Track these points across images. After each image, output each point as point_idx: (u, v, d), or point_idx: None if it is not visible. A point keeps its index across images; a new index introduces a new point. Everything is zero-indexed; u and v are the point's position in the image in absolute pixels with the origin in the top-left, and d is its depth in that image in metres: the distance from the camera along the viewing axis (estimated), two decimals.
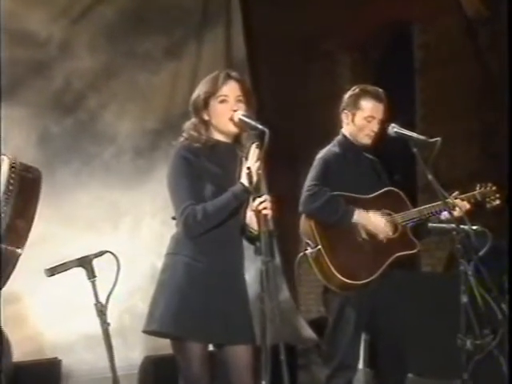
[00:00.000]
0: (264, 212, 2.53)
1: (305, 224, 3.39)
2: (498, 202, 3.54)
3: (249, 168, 2.59)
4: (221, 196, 2.65)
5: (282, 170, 6.53)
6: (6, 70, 4.84)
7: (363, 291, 3.31)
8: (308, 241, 3.34)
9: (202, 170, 2.70)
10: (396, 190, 3.50)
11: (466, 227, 3.06)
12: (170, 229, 2.80)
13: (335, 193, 3.36)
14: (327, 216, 3.32)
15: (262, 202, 2.54)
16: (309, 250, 3.31)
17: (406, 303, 3.59)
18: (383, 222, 3.34)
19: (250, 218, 2.67)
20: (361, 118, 3.50)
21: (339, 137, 3.58)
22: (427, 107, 6.48)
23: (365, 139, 3.50)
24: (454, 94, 6.23)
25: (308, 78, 6.88)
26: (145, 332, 2.71)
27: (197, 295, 2.66)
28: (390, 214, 3.42)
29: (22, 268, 2.61)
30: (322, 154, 3.50)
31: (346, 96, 3.57)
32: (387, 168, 3.62)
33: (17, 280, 2.63)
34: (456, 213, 3.26)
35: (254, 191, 2.59)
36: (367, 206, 3.40)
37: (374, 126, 3.48)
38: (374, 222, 3.34)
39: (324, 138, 3.73)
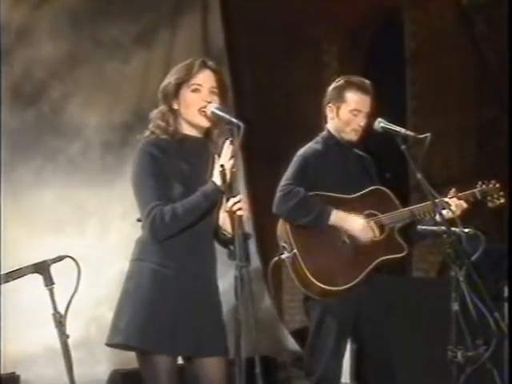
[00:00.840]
0: (238, 213, 2.52)
1: (281, 226, 3.39)
2: (502, 200, 3.48)
3: (222, 166, 2.58)
4: (190, 196, 2.63)
5: (262, 167, 6.55)
6: None
7: (346, 298, 3.32)
8: (284, 244, 3.34)
9: (170, 168, 2.67)
10: (383, 188, 3.50)
11: (457, 230, 3.06)
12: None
13: (313, 193, 3.36)
14: (300, 217, 3.32)
15: (236, 203, 2.53)
16: (284, 255, 3.31)
17: (395, 311, 3.59)
18: (363, 225, 3.34)
19: (224, 219, 2.65)
20: (346, 112, 3.50)
21: (323, 133, 3.57)
22: (419, 100, 6.51)
23: (351, 134, 3.50)
24: (447, 85, 6.26)
25: (291, 68, 6.89)
26: (108, 345, 2.69)
27: (165, 304, 2.63)
28: (375, 215, 3.43)
29: None
30: (301, 151, 3.50)
31: (330, 88, 3.56)
32: (378, 165, 3.63)
33: None
34: (451, 213, 3.26)
35: (227, 191, 2.58)
36: (351, 206, 3.40)
37: (361, 120, 3.48)
38: (352, 224, 3.34)
39: (308, 132, 3.72)
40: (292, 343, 6.33)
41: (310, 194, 3.36)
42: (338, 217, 3.33)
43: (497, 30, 5.63)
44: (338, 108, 3.49)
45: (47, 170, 5.40)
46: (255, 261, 6.14)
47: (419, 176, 3.12)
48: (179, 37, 5.97)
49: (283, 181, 3.37)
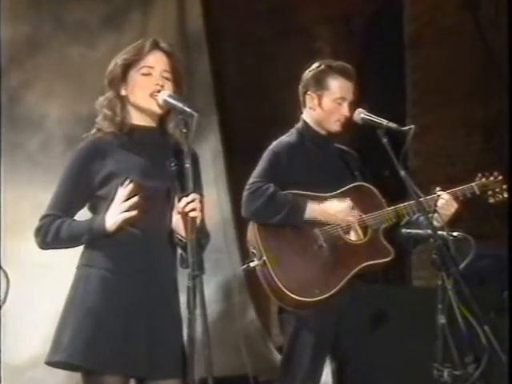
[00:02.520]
0: (191, 214, 2.46)
1: (250, 230, 3.33)
2: (505, 195, 3.35)
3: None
4: (78, 223, 2.63)
5: (245, 164, 6.47)
6: None
7: (324, 310, 3.24)
8: (253, 250, 3.26)
9: (115, 165, 2.63)
10: (366, 185, 3.43)
11: (444, 233, 2.99)
12: None
13: (285, 192, 3.29)
14: (271, 216, 3.25)
15: (189, 203, 2.46)
16: (253, 263, 3.24)
17: (380, 324, 3.52)
18: (345, 206, 3.24)
19: (177, 222, 2.58)
20: (329, 101, 3.44)
21: (299, 124, 3.52)
22: (420, 90, 6.45)
23: (334, 125, 3.44)
24: (451, 74, 6.20)
25: (279, 55, 6.81)
26: (48, 364, 2.62)
27: (115, 317, 2.57)
28: (358, 215, 3.35)
29: None
30: (272, 144, 3.44)
31: (308, 74, 3.50)
32: (361, 160, 3.55)
33: None
34: (442, 213, 3.18)
35: (178, 190, 2.52)
36: None
37: (345, 110, 3.41)
38: (332, 211, 3.25)
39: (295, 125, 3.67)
40: (279, 360, 6.26)
41: (283, 192, 3.29)
42: (314, 210, 3.25)
43: (505, 14, 5.56)
44: (320, 96, 3.43)
45: (4, 167, 5.32)
46: (239, 270, 6.07)
47: (402, 173, 3.06)
48: (153, 19, 5.91)
49: (251, 178, 3.31)
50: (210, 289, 5.54)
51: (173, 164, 2.58)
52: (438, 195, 3.35)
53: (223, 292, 5.90)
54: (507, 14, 4.32)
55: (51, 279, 4.81)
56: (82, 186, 2.65)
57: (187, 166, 2.50)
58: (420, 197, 3.11)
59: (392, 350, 3.84)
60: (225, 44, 6.35)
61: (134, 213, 2.53)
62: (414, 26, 6.46)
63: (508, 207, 3.41)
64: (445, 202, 3.29)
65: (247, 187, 3.32)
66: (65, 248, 2.68)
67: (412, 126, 3.12)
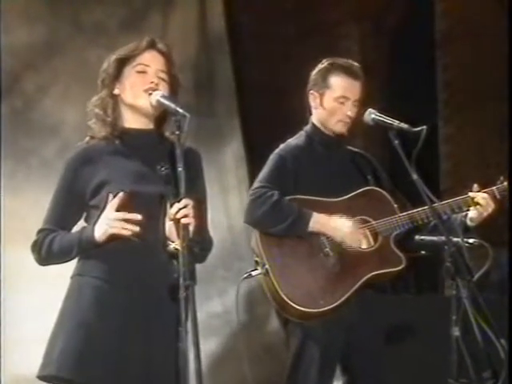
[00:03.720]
0: (183, 221, 2.38)
1: (253, 237, 3.24)
2: None
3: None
4: (69, 235, 2.60)
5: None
6: None
7: (332, 321, 3.14)
8: (256, 259, 3.18)
9: (108, 172, 2.58)
10: (377, 189, 3.32)
11: (458, 239, 2.87)
12: None
13: (290, 197, 3.19)
14: (274, 225, 3.17)
15: (181, 209, 2.39)
16: (255, 272, 3.16)
17: (394, 336, 3.41)
18: (350, 227, 3.15)
19: (170, 229, 2.51)
20: (330, 100, 3.36)
21: (307, 126, 3.44)
22: (451, 89, 6.32)
23: (337, 126, 3.35)
24: (484, 72, 6.05)
25: (305, 55, 6.70)
26: (39, 377, 2.58)
27: (108, 330, 2.51)
28: (367, 221, 3.25)
29: None
30: (279, 148, 3.36)
31: (313, 72, 3.42)
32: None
33: None
34: (475, 213, 3.06)
35: (172, 196, 2.44)
36: (337, 211, 3.23)
37: (348, 110, 3.32)
38: (337, 227, 3.15)
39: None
40: None
41: (289, 198, 3.20)
42: (318, 222, 3.17)
43: None
44: (322, 95, 3.36)
45: (19, 173, 5.31)
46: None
47: (414, 177, 2.95)
48: (173, 21, 5.85)
49: (255, 183, 3.23)
50: (231, 299, 5.46)
51: (163, 168, 2.51)
52: (472, 197, 3.23)
53: (246, 302, 5.81)
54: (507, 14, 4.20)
55: (54, 290, 4.78)
56: (75, 198, 2.63)
57: (179, 169, 2.42)
58: (433, 202, 2.99)
59: (409, 364, 3.73)
60: (247, 45, 6.27)
61: (126, 232, 2.47)
62: (445, 22, 6.34)
63: (508, 209, 3.27)
64: (483, 200, 3.17)
65: (251, 192, 3.24)
66: (60, 263, 2.65)
67: (424, 127, 3.01)
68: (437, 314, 3.02)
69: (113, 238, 2.51)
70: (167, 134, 2.68)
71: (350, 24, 6.77)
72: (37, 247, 2.63)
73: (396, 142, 3.03)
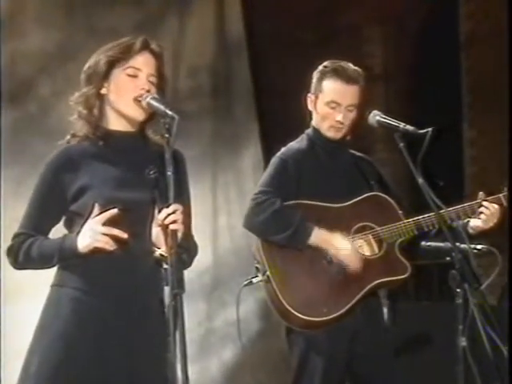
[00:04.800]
0: (172, 227, 2.31)
1: (254, 243, 3.17)
2: None
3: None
4: (49, 242, 2.52)
5: None
6: None
7: (336, 330, 3.05)
8: (257, 265, 3.10)
9: (89, 176, 2.51)
10: (382, 195, 3.23)
11: (465, 246, 2.77)
12: None
13: (293, 201, 3.11)
14: (274, 233, 3.09)
15: (169, 214, 2.31)
16: (256, 278, 3.08)
17: (404, 344, 3.31)
18: (349, 249, 3.06)
19: (157, 235, 2.43)
20: (322, 104, 3.28)
21: (309, 129, 3.37)
22: (476, 92, 6.20)
23: (329, 132, 3.27)
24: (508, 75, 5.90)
25: (326, 59, 6.62)
26: None
27: (88, 343, 2.43)
28: (371, 228, 3.16)
29: None
30: (280, 151, 3.28)
31: (313, 74, 3.35)
32: (376, 168, 3.35)
33: None
34: (480, 223, 2.97)
35: (160, 200, 2.37)
36: (340, 217, 3.14)
37: (338, 115, 3.22)
38: (337, 247, 3.07)
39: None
40: None
41: (291, 203, 3.11)
42: (319, 237, 3.08)
43: None
44: (316, 99, 3.28)
45: (33, 178, 5.26)
46: None
47: (420, 181, 2.84)
48: (189, 24, 5.79)
49: (257, 188, 3.14)
50: (248, 306, 5.39)
51: (152, 172, 2.43)
52: (480, 203, 3.13)
53: (262, 309, 5.74)
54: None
55: None
56: (54, 202, 2.54)
57: (168, 173, 2.34)
58: (440, 208, 2.89)
59: (417, 373, 3.63)
60: (267, 48, 6.19)
61: (111, 248, 2.40)
62: (469, 24, 6.22)
63: (508, 213, 3.16)
64: (487, 210, 3.08)
65: (253, 197, 3.17)
66: (39, 268, 2.58)
67: (429, 129, 2.91)
68: (447, 322, 2.91)
69: (96, 251, 2.43)
70: (149, 133, 2.61)
71: (372, 27, 6.69)
72: (13, 252, 2.55)
73: (401, 144, 2.93)
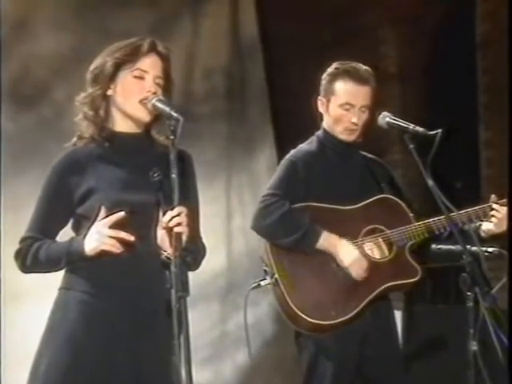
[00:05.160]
0: (176, 230, 2.29)
1: (263, 246, 3.14)
2: None
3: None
4: (57, 246, 2.51)
5: None
6: None
7: (345, 334, 3.02)
8: (265, 268, 3.08)
9: (95, 179, 2.51)
10: (392, 197, 3.20)
11: (476, 249, 2.73)
12: None
13: (303, 204, 3.08)
14: (281, 237, 3.07)
15: (174, 217, 2.29)
16: (264, 281, 3.05)
17: (418, 348, 3.28)
18: (356, 257, 3.02)
19: (162, 238, 2.41)
20: (335, 106, 3.25)
21: (319, 131, 3.34)
22: (492, 93, 6.12)
23: (343, 135, 3.25)
24: None
25: (340, 60, 6.58)
26: None
27: (95, 345, 2.44)
28: (381, 230, 3.12)
29: None
30: (290, 153, 3.26)
31: (322, 77, 3.32)
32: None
33: None
34: (489, 226, 2.93)
35: (163, 204, 2.36)
36: (349, 219, 3.12)
37: (353, 117, 3.20)
38: (344, 253, 3.04)
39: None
40: None
41: (301, 205, 3.09)
42: (328, 241, 3.05)
43: None
44: (328, 102, 3.25)
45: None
46: None
47: (430, 183, 2.81)
48: (203, 26, 5.78)
49: (266, 190, 3.12)
50: (261, 309, 5.37)
51: (156, 174, 2.41)
52: (492, 206, 3.09)
53: (275, 312, 5.71)
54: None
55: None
56: (61, 205, 2.54)
57: (173, 176, 2.33)
58: (451, 210, 2.85)
59: (428, 377, 3.58)
60: (281, 50, 6.16)
61: (118, 251, 2.39)
62: (486, 24, 6.15)
63: (508, 215, 3.10)
64: (499, 214, 3.04)
65: (261, 199, 3.15)
66: (47, 272, 2.58)
67: (439, 131, 2.87)
68: (459, 325, 2.87)
69: (103, 254, 2.42)
70: (155, 134, 2.61)
71: (388, 28, 6.63)
72: (21, 255, 2.55)
73: (411, 146, 2.90)
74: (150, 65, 2.56)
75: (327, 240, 3.07)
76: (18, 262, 2.57)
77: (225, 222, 5.70)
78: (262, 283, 3.12)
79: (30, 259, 2.52)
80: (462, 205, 3.10)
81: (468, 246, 2.74)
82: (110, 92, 2.57)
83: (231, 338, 5.53)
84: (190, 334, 2.23)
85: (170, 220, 2.30)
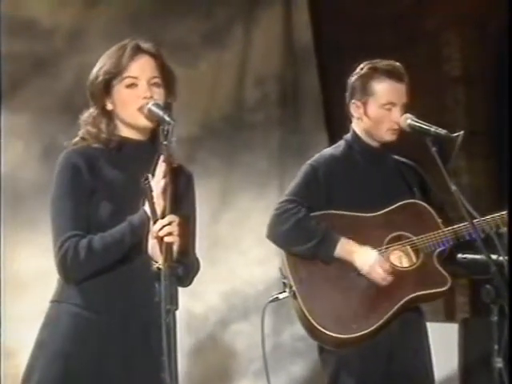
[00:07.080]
0: (167, 239, 2.16)
1: (281, 256, 2.99)
2: None
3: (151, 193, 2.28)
4: (111, 231, 2.34)
5: None
6: (3, 67, 4.78)
7: (368, 348, 2.83)
8: (284, 280, 2.92)
9: (99, 181, 2.41)
10: (419, 202, 3.00)
11: (500, 258, 2.52)
12: None
13: (321, 212, 2.91)
14: (296, 244, 2.92)
15: (164, 226, 2.17)
16: (282, 294, 2.90)
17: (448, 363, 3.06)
18: (377, 261, 2.83)
19: (153, 247, 2.29)
20: (375, 108, 3.07)
21: (347, 135, 3.17)
22: None
23: (387, 135, 3.07)
24: None
25: (403, 65, 6.37)
26: None
27: (87, 359, 2.34)
28: (407, 237, 2.93)
29: None
30: (312, 158, 3.10)
31: (352, 79, 3.15)
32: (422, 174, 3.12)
33: None
34: None
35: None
36: (372, 226, 2.94)
37: (396, 116, 3.02)
38: (362, 259, 2.85)
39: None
40: None
41: (319, 213, 2.91)
42: (345, 248, 2.87)
43: None
44: (365, 104, 3.06)
45: None
46: None
47: (453, 188, 2.62)
48: (256, 34, 5.69)
49: (283, 196, 2.97)
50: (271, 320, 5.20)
51: (146, 181, 2.29)
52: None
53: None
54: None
55: None
56: (84, 198, 2.39)
57: (163, 181, 2.23)
58: (474, 217, 2.64)
59: None
60: (335, 56, 5.98)
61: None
62: None
63: (508, 217, 2.85)
64: None
65: (276, 206, 3.01)
66: (104, 264, 2.35)
67: (461, 133, 2.67)
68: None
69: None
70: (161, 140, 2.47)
71: (452, 30, 6.40)
72: (69, 255, 2.33)
73: (434, 149, 2.71)
74: (139, 69, 2.46)
75: (345, 247, 2.91)
76: (66, 266, 2.35)
77: None
78: (281, 296, 2.99)
79: (85, 253, 2.31)
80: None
81: (493, 256, 2.53)
82: (108, 107, 2.50)
83: (286, 351, 5.38)
84: (178, 348, 2.10)
85: (161, 229, 2.18)
